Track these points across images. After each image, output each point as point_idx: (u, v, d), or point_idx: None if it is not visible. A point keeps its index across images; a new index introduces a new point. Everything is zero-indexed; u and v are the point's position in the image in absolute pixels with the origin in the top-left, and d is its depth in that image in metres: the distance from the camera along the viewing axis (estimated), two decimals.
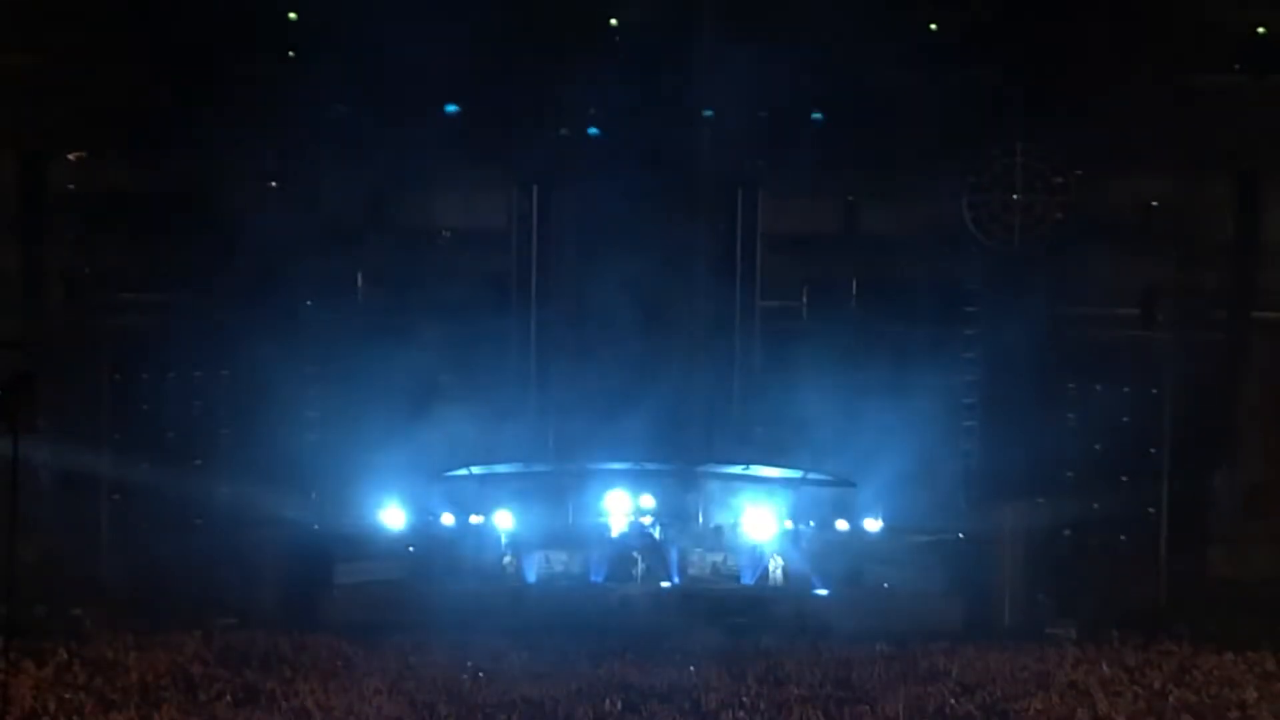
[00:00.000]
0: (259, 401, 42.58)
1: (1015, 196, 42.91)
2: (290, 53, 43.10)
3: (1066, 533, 42.81)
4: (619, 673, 34.84)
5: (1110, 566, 42.41)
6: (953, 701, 32.66)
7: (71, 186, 43.86)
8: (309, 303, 43.47)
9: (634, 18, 43.71)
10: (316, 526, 42.52)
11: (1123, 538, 42.85)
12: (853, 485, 42.53)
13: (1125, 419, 43.05)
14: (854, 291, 44.90)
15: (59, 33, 42.67)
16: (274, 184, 43.49)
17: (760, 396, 44.27)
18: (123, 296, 43.84)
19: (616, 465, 43.19)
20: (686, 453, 43.72)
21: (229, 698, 32.39)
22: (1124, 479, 42.79)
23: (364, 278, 44.86)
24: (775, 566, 42.38)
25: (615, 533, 43.11)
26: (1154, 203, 43.90)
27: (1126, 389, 43.25)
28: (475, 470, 42.93)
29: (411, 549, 42.15)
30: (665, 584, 42.12)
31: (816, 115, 43.66)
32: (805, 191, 44.81)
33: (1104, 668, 35.73)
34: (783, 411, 43.32)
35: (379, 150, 43.81)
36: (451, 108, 43.76)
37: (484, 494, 42.65)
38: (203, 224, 42.93)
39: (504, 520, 42.46)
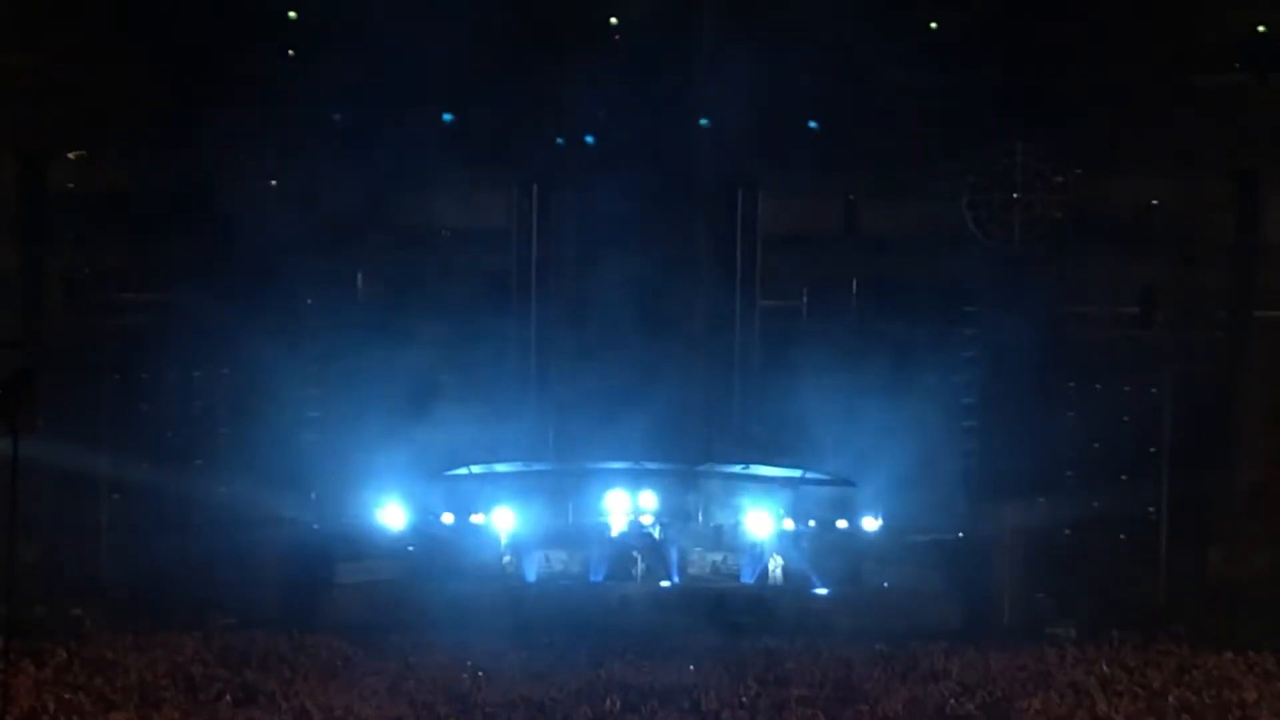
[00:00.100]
0: (259, 401, 42.59)
1: (1015, 196, 42.92)
2: (290, 52, 43.12)
3: (1066, 532, 42.82)
4: (619, 672, 34.83)
5: (1110, 566, 42.40)
6: (952, 701, 32.66)
7: (71, 186, 43.87)
8: (309, 302, 43.52)
9: (634, 18, 43.73)
10: (316, 526, 42.57)
11: (1122, 537, 42.86)
12: (852, 485, 42.54)
13: (1125, 419, 43.07)
14: (854, 291, 44.97)
15: (59, 33, 42.67)
16: (274, 184, 43.50)
17: (760, 396, 44.30)
18: (123, 296, 43.86)
19: (616, 465, 43.20)
20: (686, 452, 43.76)
21: (229, 698, 32.39)
22: (1124, 479, 42.80)
23: (364, 277, 44.94)
24: (775, 566, 42.40)
25: (615, 532, 43.12)
26: (1154, 202, 43.90)
27: (1126, 389, 43.26)
28: (475, 470, 42.94)
29: (411, 549, 42.17)
30: (665, 583, 42.15)
31: (816, 116, 43.63)
32: (805, 191, 44.84)
33: (1104, 668, 35.73)
34: (782, 411, 43.33)
35: (379, 150, 43.86)
36: (451, 108, 43.76)
37: (484, 493, 42.65)
38: (203, 224, 42.96)
39: (504, 520, 42.46)
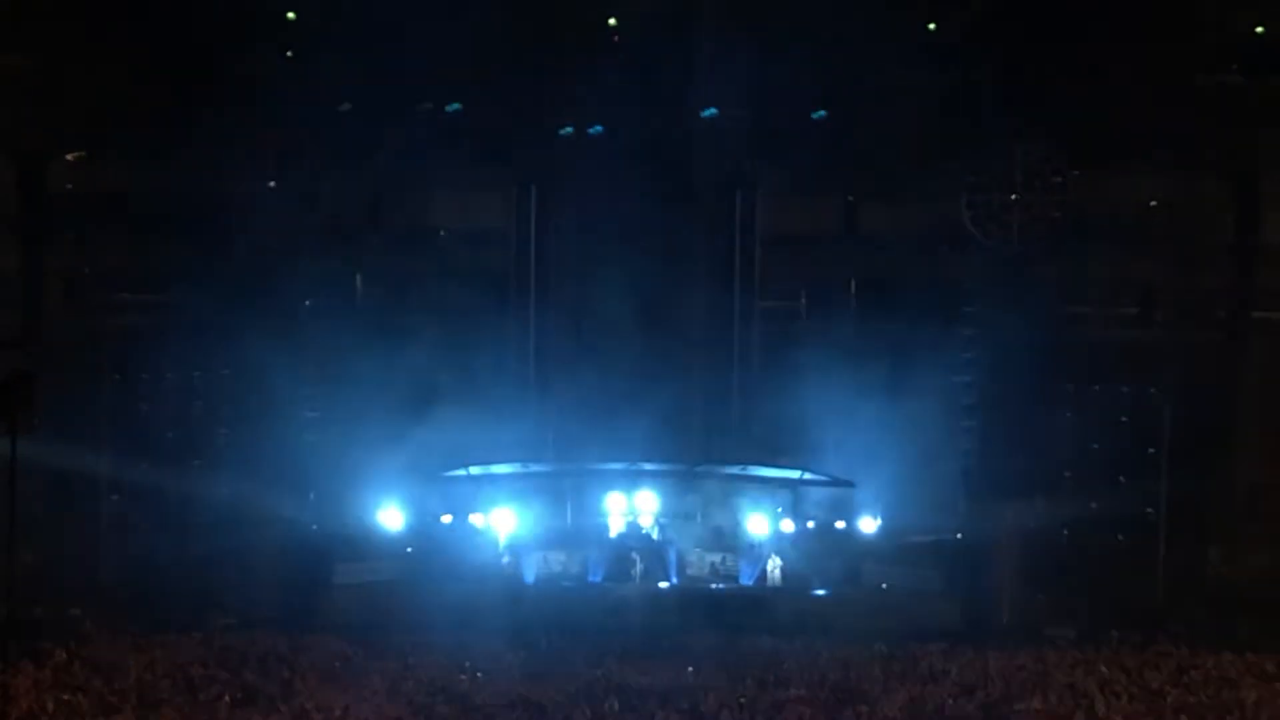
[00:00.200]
0: (258, 402, 42.58)
1: (1014, 196, 42.93)
2: (289, 53, 43.12)
3: (1065, 533, 42.80)
4: (617, 673, 34.86)
5: (1109, 567, 42.39)
6: (951, 702, 32.68)
7: (71, 186, 43.88)
8: (308, 303, 43.50)
9: (633, 19, 43.71)
10: (315, 527, 42.54)
11: (1121, 538, 42.84)
12: (851, 485, 42.54)
13: (1124, 419, 43.06)
14: (853, 291, 44.98)
15: (59, 33, 42.66)
16: (273, 184, 43.51)
17: (759, 396, 44.30)
18: (123, 296, 43.88)
19: (615, 465, 43.19)
20: (685, 453, 43.77)
21: (228, 698, 32.41)
22: (1122, 479, 42.79)
23: (363, 278, 44.97)
24: (774, 566, 42.40)
25: (614, 533, 43.14)
26: (1153, 203, 43.89)
27: (1125, 389, 43.24)
28: (474, 470, 42.93)
29: (410, 549, 42.16)
30: (664, 584, 42.16)
31: (816, 116, 43.63)
32: (805, 191, 44.82)
33: (1102, 668, 35.74)
34: (781, 412, 43.29)
35: (378, 150, 43.90)
36: (451, 107, 43.78)
37: (482, 494, 42.65)
38: (203, 224, 42.93)
39: (503, 520, 42.46)
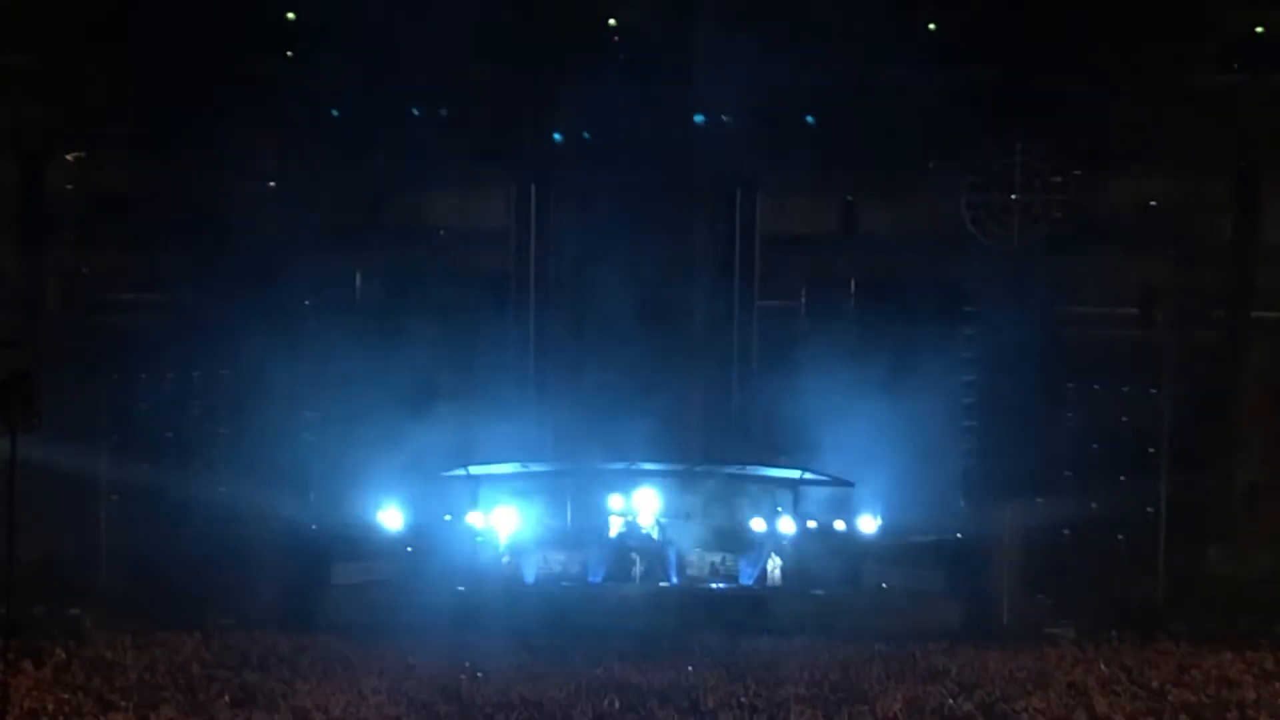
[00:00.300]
0: (258, 401, 42.57)
1: (1014, 196, 42.94)
2: (289, 53, 43.13)
3: (1065, 532, 42.81)
4: (617, 672, 34.83)
5: (1109, 566, 42.38)
6: (951, 701, 32.63)
7: (70, 186, 43.87)
8: (307, 302, 43.49)
9: (633, 18, 43.71)
10: (315, 526, 42.53)
11: (1121, 537, 42.86)
12: (851, 485, 42.53)
13: (1124, 418, 43.08)
14: (853, 291, 44.98)
15: (59, 33, 42.67)
16: (273, 184, 43.51)
17: (759, 396, 44.29)
18: (122, 296, 43.87)
19: (615, 465, 43.17)
20: (685, 453, 43.75)
21: (227, 698, 32.35)
22: (1123, 478, 42.81)
23: (363, 277, 44.97)
24: (774, 566, 42.38)
25: (614, 533, 43.12)
26: (1153, 202, 43.89)
27: (1125, 389, 43.26)
28: (473, 470, 42.91)
29: (410, 549, 42.13)
30: (664, 584, 42.14)
31: (815, 115, 43.64)
32: (805, 191, 44.83)
33: (1102, 667, 35.73)
34: (781, 411, 43.30)
35: (378, 150, 43.91)
36: (450, 108, 43.77)
37: (482, 494, 42.64)
38: (202, 224, 42.92)
39: (503, 520, 42.44)
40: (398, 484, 42.22)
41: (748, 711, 31.70)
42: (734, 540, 42.92)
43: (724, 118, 43.78)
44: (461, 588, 41.06)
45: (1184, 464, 42.74)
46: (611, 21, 43.85)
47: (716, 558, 42.87)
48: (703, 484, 43.75)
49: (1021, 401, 42.98)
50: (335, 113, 43.44)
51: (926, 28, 43.36)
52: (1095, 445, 43.32)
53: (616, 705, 31.91)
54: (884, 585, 42.27)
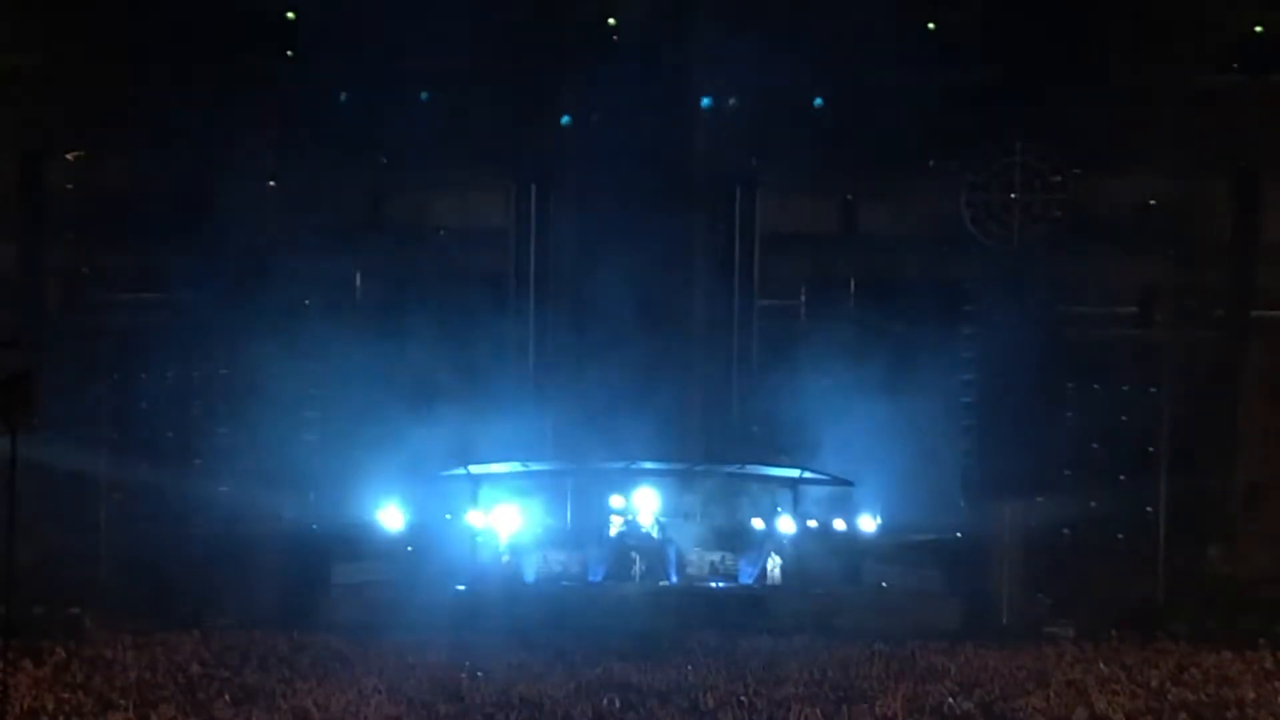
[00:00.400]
0: (257, 401, 42.58)
1: (1014, 196, 42.95)
2: (289, 52, 43.13)
3: (1065, 532, 42.83)
4: (617, 672, 34.79)
5: (1109, 565, 42.39)
6: (951, 700, 32.56)
7: (70, 186, 43.88)
8: (307, 302, 43.49)
9: (633, 18, 43.72)
10: (315, 526, 42.54)
11: (1121, 536, 42.88)
12: (851, 484, 42.53)
13: (1124, 418, 43.11)
14: (852, 291, 44.98)
15: (59, 33, 42.68)
16: (273, 184, 43.52)
17: (758, 395, 44.30)
18: (122, 296, 43.88)
19: (615, 465, 43.16)
20: (685, 452, 43.75)
21: (227, 697, 32.28)
22: (1122, 478, 42.83)
23: (362, 277, 44.96)
24: (773, 566, 42.39)
25: (613, 532, 43.12)
26: (1153, 202, 43.90)
27: (1125, 388, 43.27)
28: (473, 470, 42.91)
29: (409, 549, 42.13)
30: (664, 583, 42.15)
31: (815, 115, 43.63)
32: (804, 191, 44.84)
33: (1102, 666, 35.71)
34: (781, 410, 43.31)
35: (378, 149, 43.90)
36: (451, 107, 43.77)
37: (482, 494, 42.63)
38: (202, 224, 42.91)
39: (502, 520, 42.44)
40: (398, 484, 42.23)
41: (747, 711, 31.65)
42: (734, 539, 42.94)
43: (724, 117, 43.75)
44: (461, 588, 41.08)
45: (1184, 464, 42.77)
46: (611, 21, 43.84)
47: (716, 557, 42.88)
48: (703, 483, 43.76)
49: (1021, 401, 43.00)
50: (335, 112, 43.41)
51: (926, 28, 43.34)
52: (1095, 445, 43.33)
53: (616, 704, 31.86)
54: (884, 585, 42.28)
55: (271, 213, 43.28)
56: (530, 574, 42.11)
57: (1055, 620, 40.73)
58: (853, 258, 45.03)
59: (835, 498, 42.82)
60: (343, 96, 43.34)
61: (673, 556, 42.44)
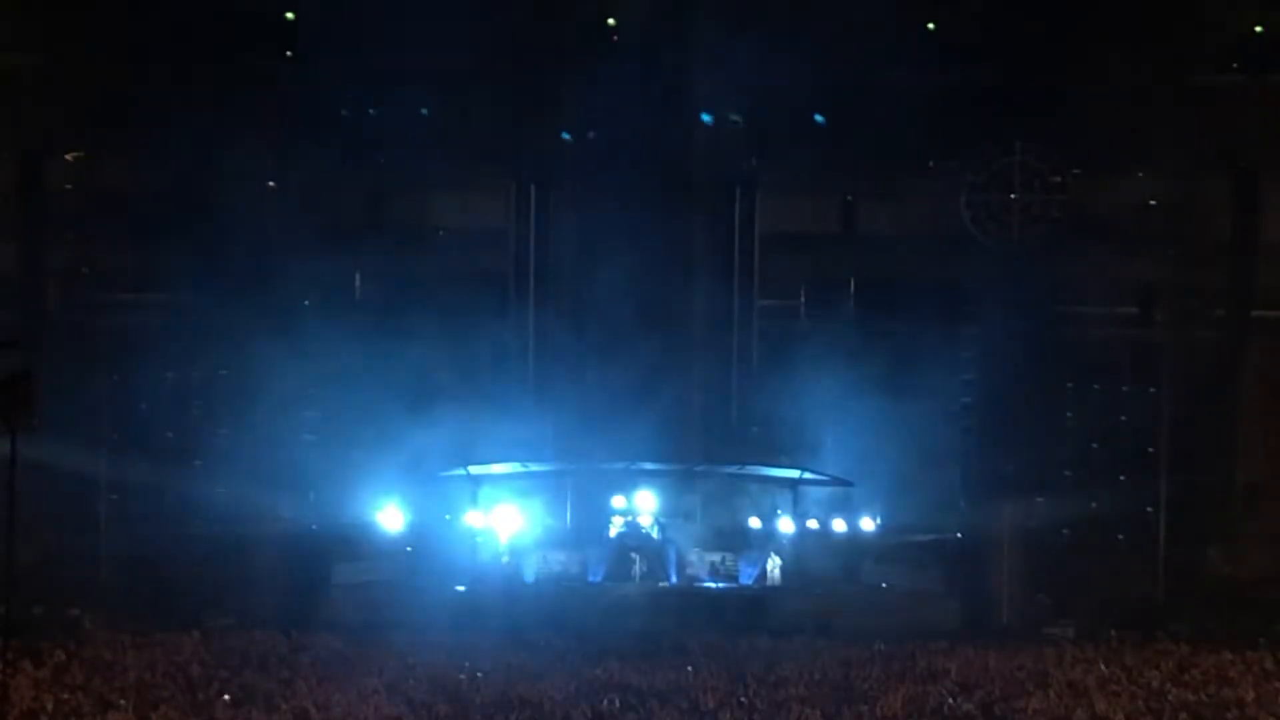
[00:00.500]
0: (257, 401, 42.57)
1: (1013, 196, 42.95)
2: (289, 53, 43.13)
3: (1065, 532, 42.83)
4: (617, 672, 34.77)
5: (1108, 566, 42.41)
6: (951, 701, 32.55)
7: (70, 186, 43.89)
8: (307, 302, 43.48)
9: (633, 18, 43.72)
10: (314, 527, 42.55)
11: (1121, 537, 42.89)
12: (851, 485, 42.54)
13: (1123, 418, 43.11)
14: (852, 291, 44.97)
15: (59, 33, 42.68)
16: (273, 184, 43.53)
17: (758, 396, 44.28)
18: (121, 296, 43.88)
19: (615, 465, 43.16)
20: (685, 452, 43.74)
21: (227, 698, 32.29)
22: (1122, 478, 42.82)
23: (362, 278, 44.96)
24: (773, 566, 42.38)
25: (613, 533, 43.13)
26: (1153, 202, 43.91)
27: (1125, 388, 43.28)
28: (473, 470, 42.91)
29: (409, 549, 42.13)
30: (664, 584, 42.15)
31: (814, 115, 43.65)
32: (805, 191, 44.82)
33: (1102, 667, 35.67)
34: (781, 411, 43.30)
35: (378, 150, 43.91)
36: (450, 107, 43.79)
37: (482, 494, 42.63)
38: (202, 224, 42.92)
39: (502, 520, 42.43)
40: (397, 484, 42.23)
41: (747, 711, 31.65)
42: (734, 540, 42.94)
43: (724, 117, 43.76)
44: (461, 588, 41.08)
45: (1184, 464, 42.77)
46: (611, 21, 43.84)
47: (716, 557, 42.89)
48: (702, 484, 43.77)
49: (1021, 401, 42.98)
50: (335, 112, 43.42)
51: (926, 28, 43.34)
52: (1095, 445, 43.32)
53: (616, 705, 31.86)
54: (884, 585, 42.28)
55: (271, 213, 43.26)
56: (530, 574, 42.14)
57: (1055, 620, 40.76)
58: (853, 258, 45.02)
59: (835, 498, 42.88)
60: (343, 97, 43.31)
61: (673, 557, 42.46)
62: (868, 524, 42.52)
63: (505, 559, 42.35)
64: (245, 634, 38.27)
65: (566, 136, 44.13)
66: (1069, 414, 43.46)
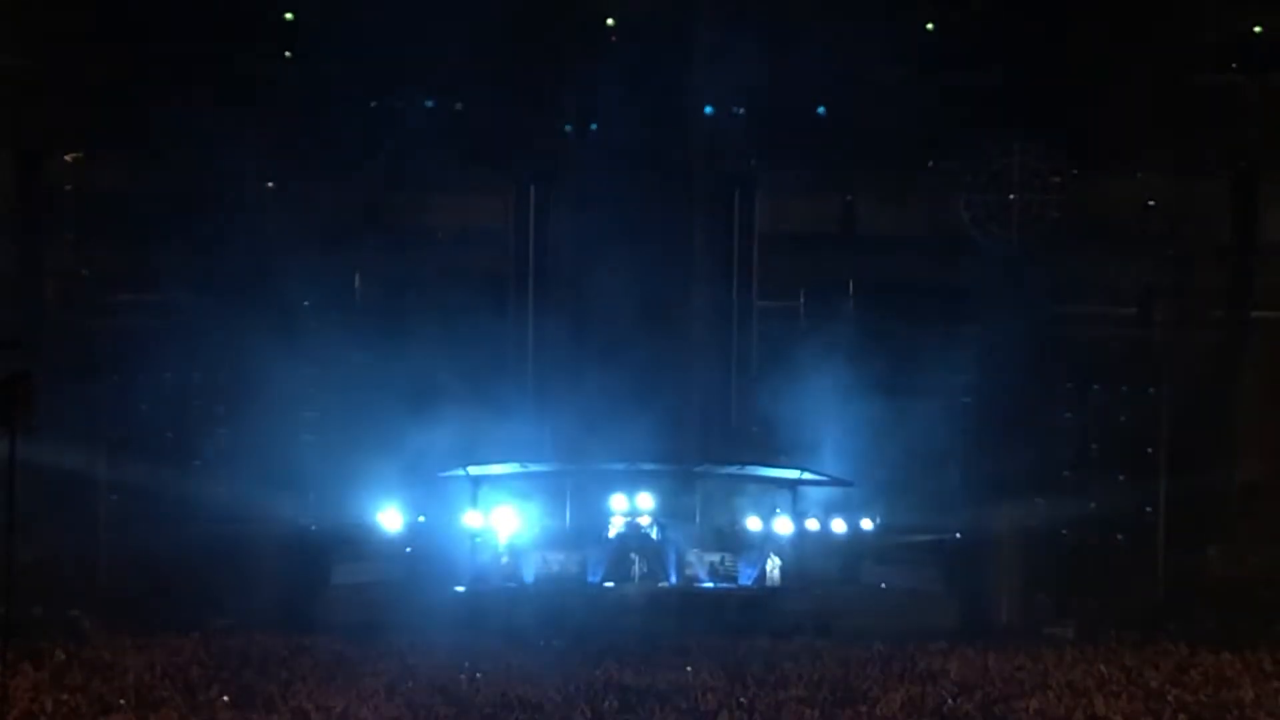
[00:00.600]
0: (257, 401, 42.57)
1: (1013, 196, 42.96)
2: (288, 53, 43.14)
3: (1064, 532, 42.84)
4: (616, 673, 34.78)
5: (1108, 566, 42.44)
6: (950, 701, 32.55)
7: (70, 186, 43.90)
8: (306, 303, 43.48)
9: (632, 18, 43.73)
10: (314, 527, 42.54)
11: (1120, 537, 42.91)
12: (850, 485, 42.54)
13: (1123, 418, 43.12)
14: (851, 291, 44.97)
15: (59, 33, 42.68)
16: (272, 184, 43.53)
17: (758, 396, 44.28)
18: (121, 297, 43.89)
19: (614, 465, 43.15)
20: (684, 453, 43.73)
21: (227, 699, 32.30)
22: (1121, 478, 42.83)
23: (361, 278, 44.96)
24: (773, 567, 42.37)
25: (613, 533, 43.10)
26: (1152, 202, 43.92)
27: (1124, 388, 43.29)
28: (472, 470, 42.90)
29: (408, 550, 42.14)
30: (663, 584, 42.14)
31: (814, 115, 43.66)
32: (804, 191, 44.83)
33: (1102, 667, 35.66)
34: (781, 411, 43.28)
35: (377, 150, 43.90)
36: (449, 109, 43.79)
37: (481, 494, 42.62)
38: (201, 224, 42.93)
39: (501, 521, 42.43)
40: (396, 484, 42.23)
41: (747, 712, 31.65)
42: (733, 540, 42.92)
43: (723, 117, 43.76)
44: (461, 589, 41.08)
45: (1184, 464, 42.77)
46: (611, 21, 43.84)
47: (716, 558, 42.84)
48: (702, 484, 43.74)
49: (1021, 401, 42.98)
50: (335, 112, 43.41)
51: (926, 28, 43.34)
52: (1095, 445, 43.32)
53: (615, 706, 31.88)
54: (883, 585, 42.27)
55: (271, 213, 43.25)
56: (529, 575, 42.09)
57: (1055, 620, 40.74)
58: (852, 258, 45.03)
59: (835, 498, 42.83)
60: (342, 97, 43.31)
61: (672, 557, 42.42)
62: (867, 524, 42.49)
63: (505, 560, 42.32)
64: (245, 635, 38.25)
65: (567, 135, 44.10)
66: (1069, 414, 43.50)
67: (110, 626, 38.54)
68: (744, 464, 43.83)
